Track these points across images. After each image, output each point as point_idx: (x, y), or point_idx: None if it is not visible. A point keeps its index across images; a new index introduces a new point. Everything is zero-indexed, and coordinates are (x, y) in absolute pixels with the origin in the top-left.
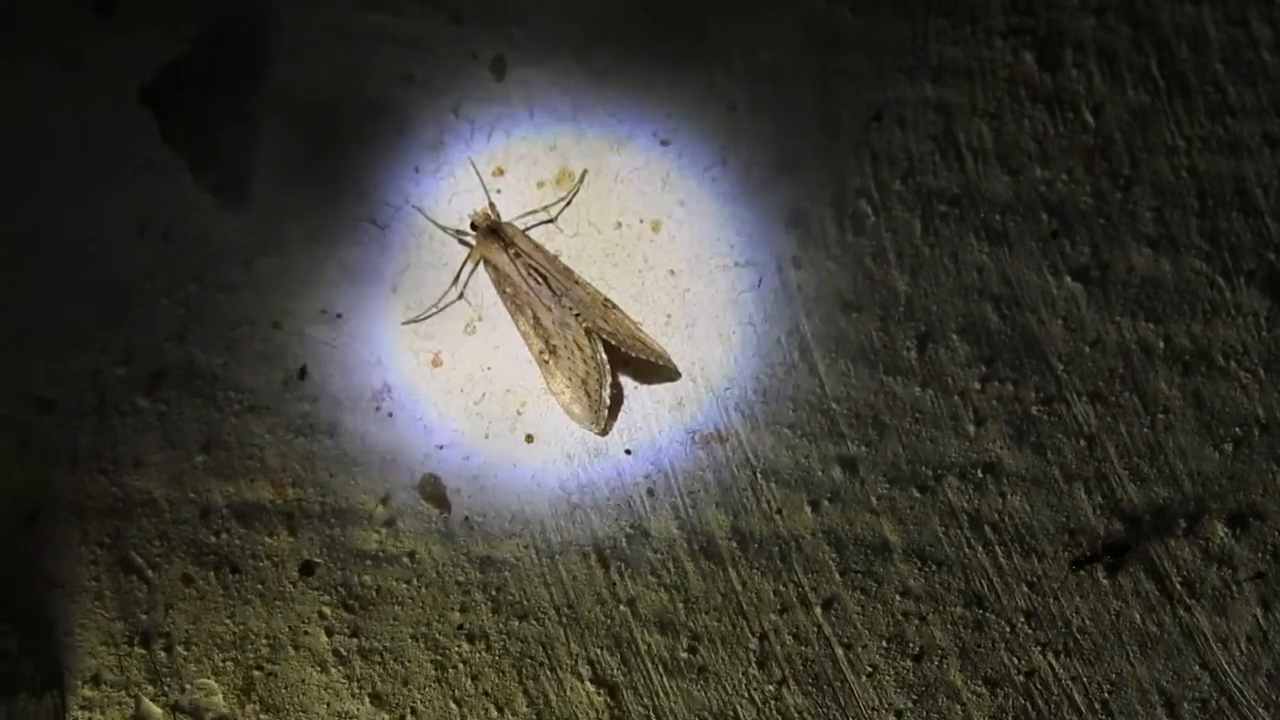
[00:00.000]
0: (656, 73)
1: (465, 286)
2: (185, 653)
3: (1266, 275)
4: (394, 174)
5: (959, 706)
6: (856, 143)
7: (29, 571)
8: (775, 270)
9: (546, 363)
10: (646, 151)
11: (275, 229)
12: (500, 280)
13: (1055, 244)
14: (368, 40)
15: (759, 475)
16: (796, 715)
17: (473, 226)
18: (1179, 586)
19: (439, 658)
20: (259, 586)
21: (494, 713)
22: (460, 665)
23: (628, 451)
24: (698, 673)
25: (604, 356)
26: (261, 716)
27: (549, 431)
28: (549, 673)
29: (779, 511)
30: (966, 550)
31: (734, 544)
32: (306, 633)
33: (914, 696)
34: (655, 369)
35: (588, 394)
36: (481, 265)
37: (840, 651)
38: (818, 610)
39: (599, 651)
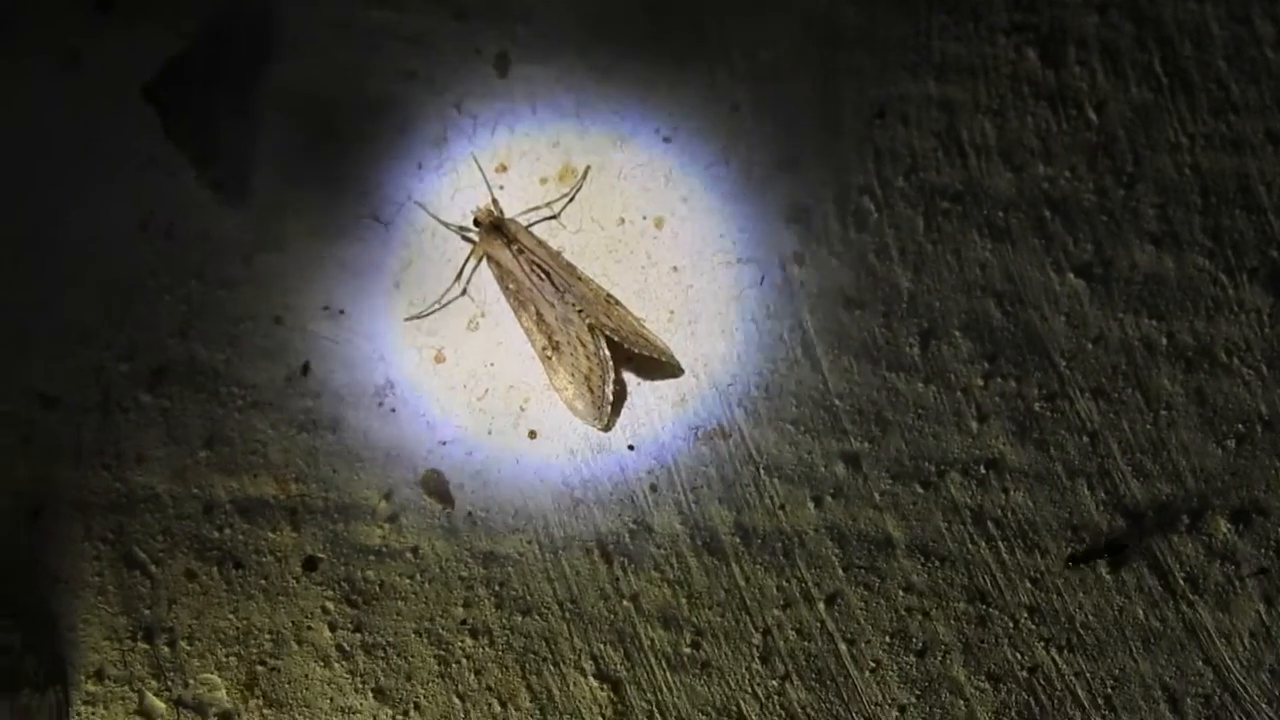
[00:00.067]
0: (659, 70)
1: (468, 283)
2: (188, 648)
3: (1269, 272)
4: (397, 170)
5: (962, 702)
6: (859, 139)
7: (32, 567)
8: (778, 266)
9: (549, 359)
10: (649, 148)
11: (277, 225)
12: (503, 276)
13: (1057, 240)
14: (370, 36)
15: (762, 471)
16: (800, 710)
17: (476, 223)
18: (1182, 582)
19: (442, 653)
20: (262, 581)
21: (497, 708)
22: (463, 660)
23: (631, 447)
24: (701, 668)
25: (607, 352)
26: (265, 711)
27: (552, 427)
28: (552, 668)
29: (782, 507)
30: (969, 546)
31: (737, 539)
32: (310, 628)
33: (917, 692)
34: (658, 365)
35: (590, 390)
36: (484, 261)
37: (843, 647)
38: (821, 606)
39: (602, 646)
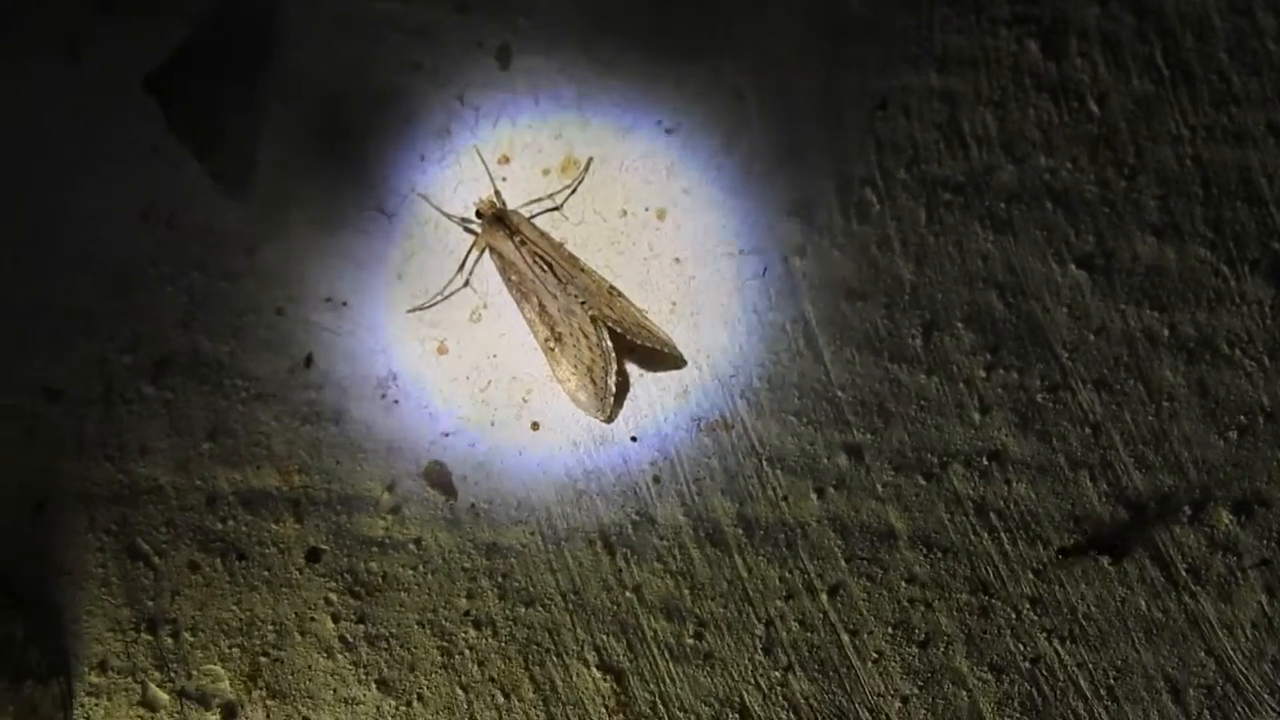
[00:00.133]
0: (661, 62)
1: (471, 274)
2: (192, 639)
3: (1271, 264)
4: (399, 162)
5: (964, 693)
6: (861, 131)
7: (36, 559)
8: (780, 258)
9: (552, 350)
10: (652, 139)
11: (280, 216)
12: (506, 268)
13: (1058, 232)
14: (374, 29)
15: (764, 462)
16: (802, 701)
17: (478, 214)
18: (1184, 573)
19: (445, 644)
20: (265, 573)
21: (500, 699)
22: (467, 651)
23: (633, 439)
24: (704, 659)
25: (609, 344)
26: (268, 703)
27: (555, 419)
28: (555, 659)
29: (785, 498)
30: (972, 537)
31: (740, 531)
32: (313, 619)
33: (920, 682)
34: (661, 356)
35: (593, 381)
36: (487, 253)
37: (846, 638)
38: (823, 597)
39: (605, 638)
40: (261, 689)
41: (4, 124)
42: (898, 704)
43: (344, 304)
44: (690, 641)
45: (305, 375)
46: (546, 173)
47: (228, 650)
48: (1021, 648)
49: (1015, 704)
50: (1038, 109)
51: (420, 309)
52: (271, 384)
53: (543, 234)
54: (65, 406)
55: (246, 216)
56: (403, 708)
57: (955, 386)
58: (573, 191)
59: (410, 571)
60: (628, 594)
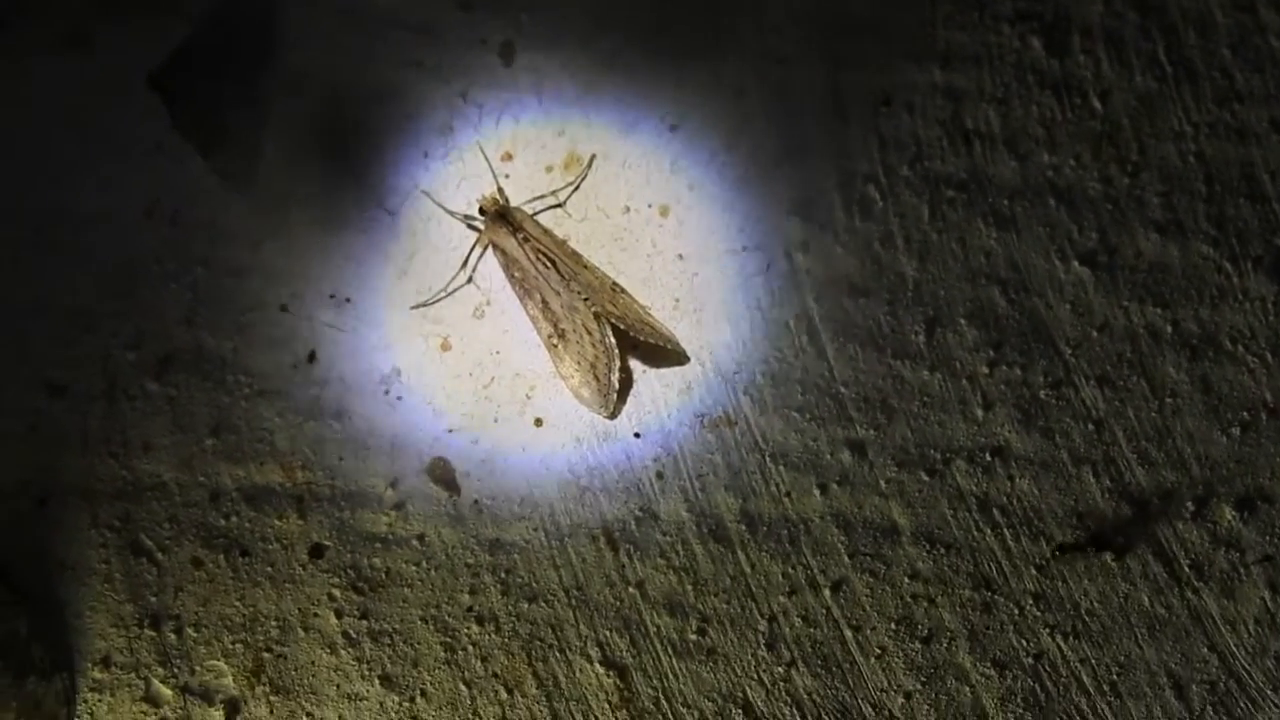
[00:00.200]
0: (664, 58)
1: (474, 271)
2: (195, 635)
3: (1273, 260)
4: (403, 159)
5: (968, 688)
6: (864, 128)
7: (39, 554)
8: (783, 255)
9: (555, 347)
10: (655, 136)
11: (283, 213)
12: (509, 265)
13: (1061, 229)
14: (377, 26)
15: (768, 458)
16: (805, 697)
17: (481, 211)
18: (1187, 569)
19: (448, 640)
20: (269, 569)
21: (504, 694)
22: (470, 647)
23: (637, 435)
24: (707, 654)
25: (612, 340)
26: (271, 698)
27: (558, 415)
28: (558, 654)
29: (788, 494)
30: (975, 533)
31: (743, 527)
32: (316, 615)
33: (923, 678)
34: (664, 353)
35: (596, 378)
36: (490, 250)
37: (849, 633)
38: (826, 593)
39: (608, 633)
40: (265, 685)
41: (5, 123)
42: (900, 700)
43: (347, 300)
44: (693, 637)
45: (309, 372)
46: (549, 170)
47: (231, 646)
48: (1024, 643)
49: (1018, 700)
50: (1041, 106)
51: (423, 306)
52: (275, 380)
53: (546, 231)
54: (69, 403)
55: (250, 213)
56: (406, 703)
57: (958, 383)
58: (576, 188)
59: (413, 567)
60: (631, 590)
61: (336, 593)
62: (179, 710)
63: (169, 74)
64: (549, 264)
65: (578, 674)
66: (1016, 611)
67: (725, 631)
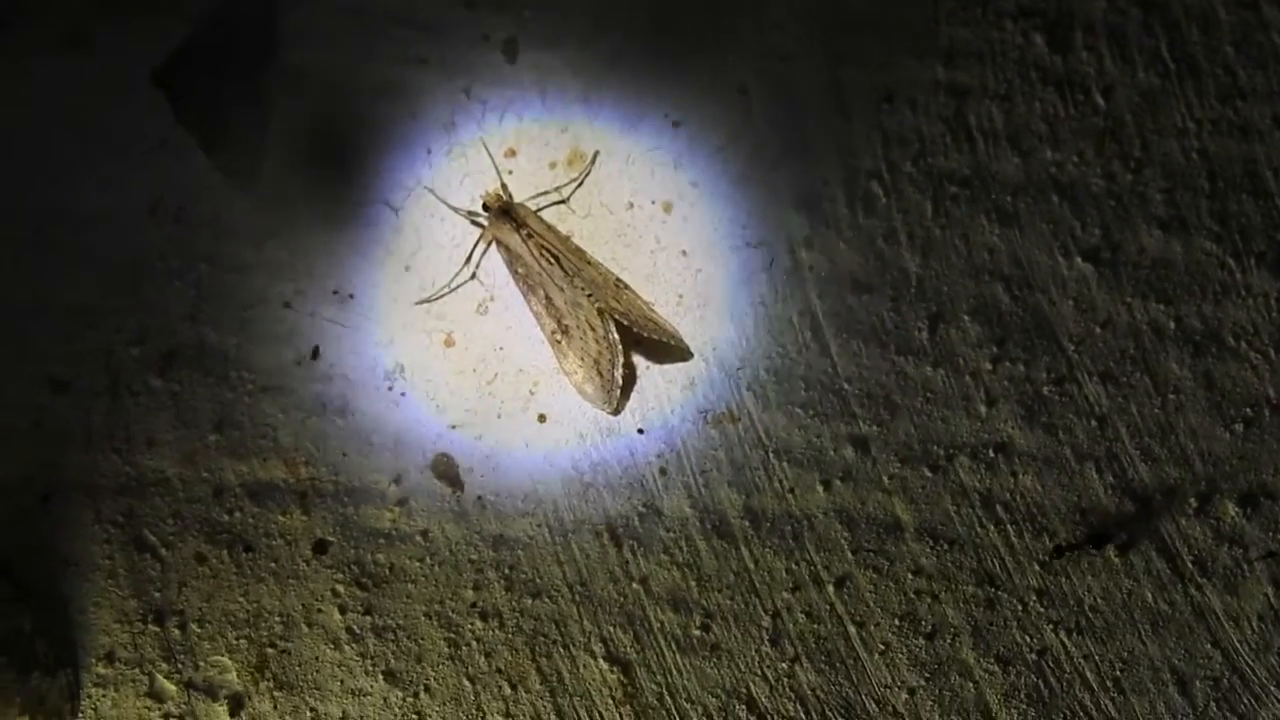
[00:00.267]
0: (667, 55)
1: (477, 267)
2: (199, 630)
3: (1277, 257)
4: (406, 155)
5: (971, 684)
6: (868, 124)
7: (43, 550)
8: (787, 251)
9: (559, 343)
10: (658, 133)
11: (287, 209)
12: (512, 261)
13: (1064, 225)
14: (380, 22)
15: (771, 454)
16: (809, 693)
17: (485, 207)
18: (1190, 565)
19: (452, 635)
20: (272, 565)
21: (507, 690)
22: (473, 643)
23: (640, 431)
24: (710, 650)
25: (616, 336)
26: (275, 694)
27: (561, 411)
28: (562, 650)
29: (791, 490)
30: (978, 529)
31: (746, 523)
32: (320, 611)
33: (926, 674)
34: (667, 349)
35: (600, 374)
36: (494, 246)
37: (853, 629)
38: (830, 588)
39: (612, 629)
40: (269, 680)
41: (7, 123)
42: (904, 695)
43: (351, 296)
44: (697, 633)
45: (312, 368)
46: (553, 166)
47: (235, 642)
48: (1028, 639)
49: (1022, 695)
50: (1044, 102)
51: (427, 301)
52: (278, 376)
53: (549, 227)
54: (72, 398)
55: (253, 210)
56: (410, 699)
57: (961, 379)
58: (579, 184)
59: (417, 563)
60: (634, 585)
61: (340, 588)
62: (183, 706)
63: (172, 71)
64: (552, 260)
65: (581, 669)
66: (1020, 607)
67: (729, 627)
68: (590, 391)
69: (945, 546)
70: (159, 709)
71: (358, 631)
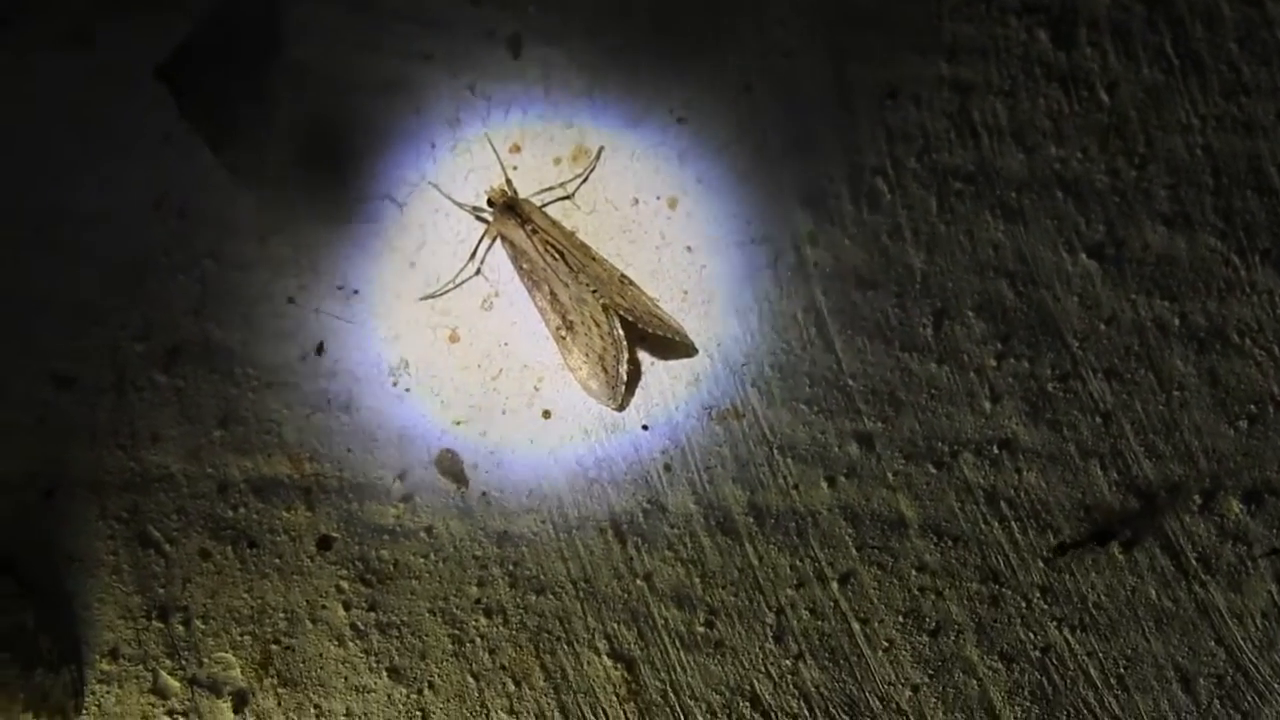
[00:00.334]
0: (671, 51)
1: (482, 263)
2: (203, 626)
3: None
4: (411, 151)
5: (975, 681)
6: (872, 120)
7: (47, 546)
8: (791, 247)
9: (564, 338)
10: (663, 128)
11: (291, 205)
12: (517, 256)
13: (1069, 221)
14: (385, 18)
15: (775, 451)
16: (813, 689)
17: (489, 203)
18: (1194, 562)
19: (456, 632)
20: (276, 561)
21: (511, 686)
22: (478, 639)
23: (645, 427)
24: (714, 647)
25: (621, 332)
26: (279, 690)
27: (566, 407)
28: (566, 647)
29: (795, 487)
30: (982, 526)
31: (751, 519)
32: (324, 607)
33: (930, 671)
34: (672, 345)
35: (605, 370)
36: (498, 241)
37: (857, 626)
38: (834, 585)
39: (616, 626)
40: (273, 677)
41: (10, 120)
42: (908, 693)
43: (355, 292)
44: (701, 630)
45: (317, 363)
46: (558, 161)
47: (239, 638)
48: (1032, 636)
49: (1025, 693)
50: (1048, 98)
51: (432, 297)
52: (283, 372)
53: (554, 222)
54: (77, 394)
55: (258, 206)
56: (414, 696)
57: (966, 375)
58: (584, 180)
59: (421, 559)
60: (638, 582)
61: (344, 585)
62: (187, 702)
63: (178, 66)
64: (557, 256)
65: (585, 666)
66: (1024, 604)
67: (733, 624)
68: (595, 387)
69: (949, 543)
70: (163, 705)
71: (362, 628)
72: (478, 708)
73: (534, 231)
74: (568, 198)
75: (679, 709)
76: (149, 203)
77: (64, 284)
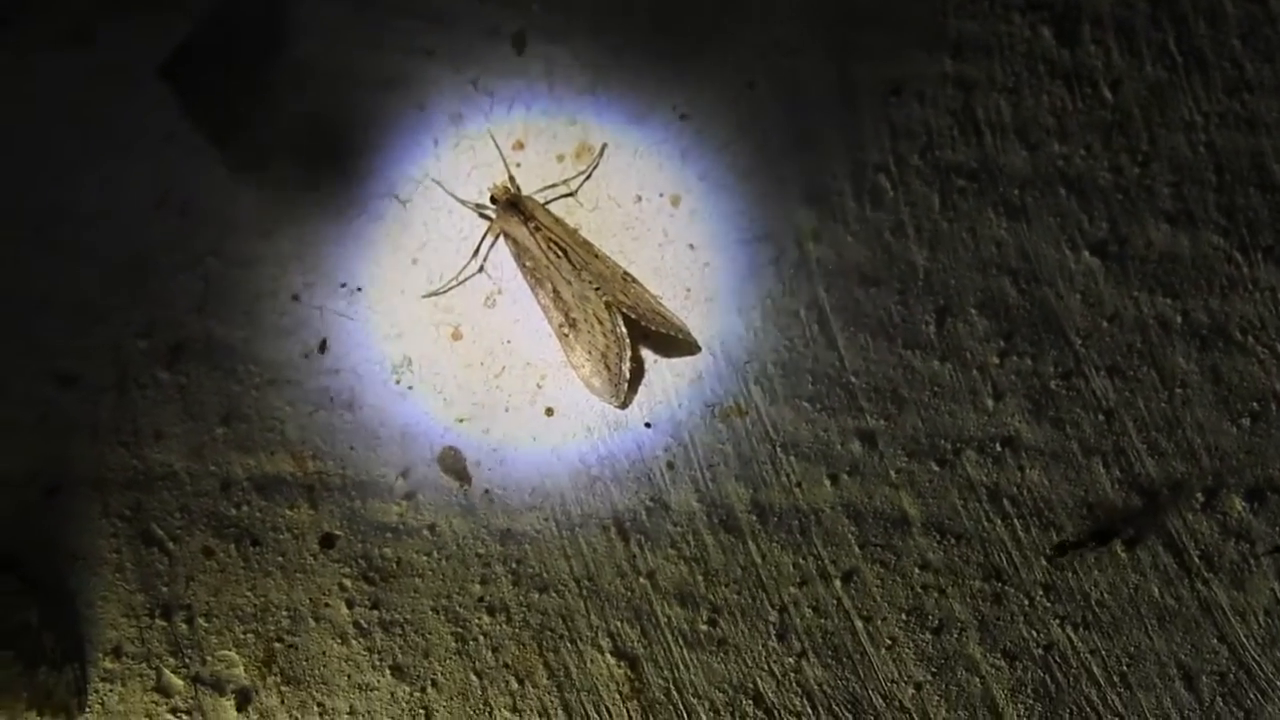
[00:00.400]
0: (675, 47)
1: (485, 260)
2: (206, 625)
3: None
4: (414, 147)
5: (978, 679)
6: (875, 117)
7: (50, 544)
8: (794, 244)
9: (566, 336)
10: (666, 125)
11: (293, 203)
12: (520, 254)
13: (1072, 218)
14: (387, 14)
15: (778, 448)
16: (816, 688)
17: (492, 200)
18: (1197, 560)
19: (459, 630)
20: (280, 559)
21: (515, 685)
22: (481, 638)
23: (647, 425)
24: (717, 645)
25: (624, 330)
26: (282, 688)
27: (569, 405)
28: (569, 645)
29: (798, 485)
30: (985, 524)
31: (753, 517)
32: (327, 605)
33: (933, 669)
34: (675, 342)
35: (608, 367)
36: (501, 238)
37: (860, 624)
38: (837, 583)
39: (619, 624)
40: (276, 675)
41: (11, 119)
42: (911, 691)
43: (358, 289)
44: (704, 628)
45: (319, 361)
46: (561, 159)
47: (242, 636)
48: (1034, 634)
49: (1028, 691)
50: (1051, 95)
51: (434, 294)
52: (286, 370)
53: (557, 220)
54: (79, 392)
55: (260, 203)
56: (417, 694)
57: (969, 373)
58: (587, 177)
59: (424, 557)
60: (641, 580)
61: (348, 583)
62: (190, 700)
63: (180, 63)
64: (560, 253)
65: (589, 664)
66: (1027, 602)
67: (736, 622)
68: (598, 385)
69: (952, 541)
70: (166, 704)
71: (365, 626)
72: (481, 706)
73: (537, 229)
74: (571, 195)
75: (682, 707)
76: (151, 201)
77: (66, 282)
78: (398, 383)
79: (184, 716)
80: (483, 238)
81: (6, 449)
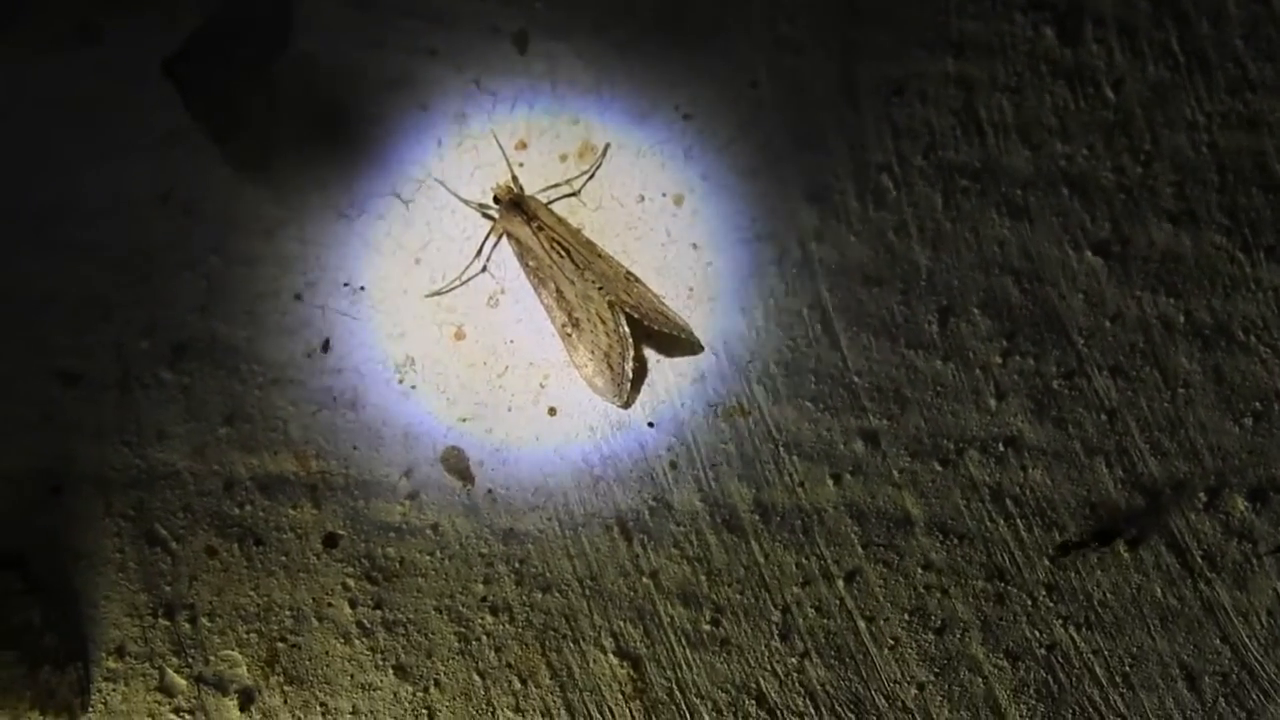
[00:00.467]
0: (678, 47)
1: (488, 259)
2: (209, 624)
3: None
4: (417, 147)
5: (980, 679)
6: (878, 117)
7: (53, 544)
8: (797, 244)
9: (569, 336)
10: (669, 125)
11: (297, 201)
12: (523, 253)
13: (1074, 218)
14: (390, 13)
15: (781, 448)
16: (819, 688)
17: (495, 199)
18: (1200, 560)
19: (462, 630)
20: (283, 558)
21: (517, 684)
22: (484, 637)
23: (650, 424)
24: (720, 645)
25: (626, 330)
26: (285, 688)
27: (572, 404)
28: (572, 645)
29: (801, 484)
30: (988, 523)
31: (756, 517)
32: (330, 604)
33: (936, 669)
34: (678, 342)
35: (610, 367)
36: (504, 238)
37: (862, 624)
38: (840, 583)
39: (622, 624)
40: (279, 674)
41: (14, 116)
42: (913, 691)
43: (361, 289)
44: (707, 628)
45: (322, 360)
46: (564, 158)
47: (245, 636)
48: (1037, 634)
49: (1031, 691)
50: (1054, 95)
51: (437, 294)
52: (289, 369)
53: (560, 219)
54: (82, 391)
55: (263, 202)
56: (420, 693)
57: (971, 372)
58: (590, 177)
59: (427, 557)
60: (644, 580)
61: (350, 582)
62: (193, 700)
63: (184, 61)
64: (563, 253)
65: (591, 664)
66: (1029, 602)
67: (739, 622)
68: (601, 385)
69: (955, 541)
70: (169, 703)
71: (368, 625)
72: (484, 705)
73: (540, 228)
74: (574, 194)
75: (685, 707)
76: (154, 199)
77: (69, 281)
78: (401, 382)
79: (187, 716)
80: (486, 237)
81: (9, 448)
